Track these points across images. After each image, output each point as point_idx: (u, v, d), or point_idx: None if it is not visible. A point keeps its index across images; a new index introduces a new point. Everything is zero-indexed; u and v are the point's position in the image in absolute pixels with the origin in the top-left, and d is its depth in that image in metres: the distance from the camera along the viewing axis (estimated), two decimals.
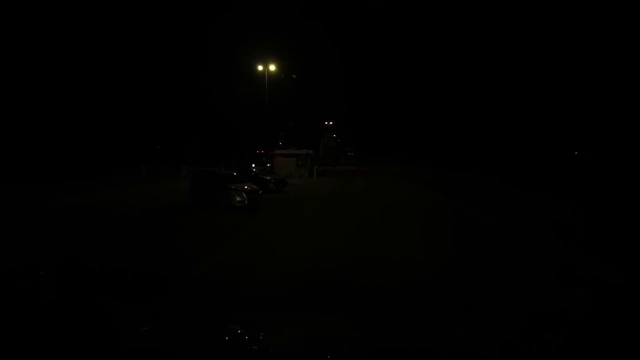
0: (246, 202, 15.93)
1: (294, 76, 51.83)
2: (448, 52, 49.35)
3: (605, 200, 17.73)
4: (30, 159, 29.27)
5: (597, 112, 30.05)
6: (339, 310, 5.22)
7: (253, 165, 48.28)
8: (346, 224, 12.95)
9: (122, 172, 39.06)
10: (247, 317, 3.29)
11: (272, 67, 32.33)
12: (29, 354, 1.90)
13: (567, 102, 31.83)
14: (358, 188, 28.57)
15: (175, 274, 7.09)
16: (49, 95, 31.58)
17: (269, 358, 2.13)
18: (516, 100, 36.90)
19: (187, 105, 42.02)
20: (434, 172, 45.90)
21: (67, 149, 33.47)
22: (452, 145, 50.29)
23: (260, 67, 32.29)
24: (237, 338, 2.45)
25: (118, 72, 37.95)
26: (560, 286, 6.62)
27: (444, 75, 50.88)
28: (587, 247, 9.21)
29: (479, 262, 8.05)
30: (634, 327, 4.39)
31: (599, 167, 28.84)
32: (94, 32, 34.25)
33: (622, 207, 16.10)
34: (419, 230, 12.18)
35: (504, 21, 38.27)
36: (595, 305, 5.50)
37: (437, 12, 55.40)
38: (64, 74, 32.25)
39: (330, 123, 79.88)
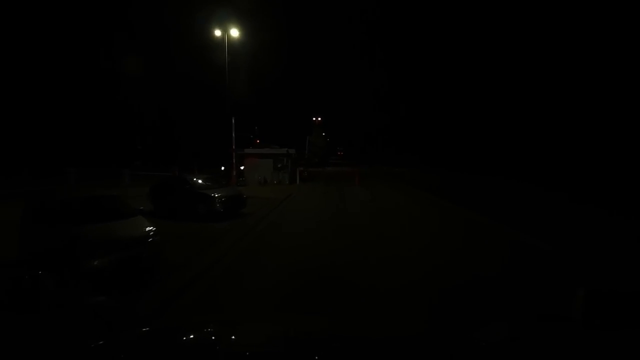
0: (114, 267, 6.91)
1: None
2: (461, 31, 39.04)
3: None
4: None
5: None
6: None
7: (222, 167, 39.31)
8: None
9: (44, 177, 31.02)
10: (231, 318, 3.18)
11: (235, 33, 22.66)
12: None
13: None
14: (362, 213, 15.86)
15: None
16: None
17: (251, 358, 1.90)
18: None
19: (132, 94, 32.73)
20: (441, 174, 38.29)
21: None
22: (468, 141, 40.70)
23: (218, 33, 22.53)
24: (217, 338, 2.24)
25: (41, 60, 28.83)
26: None
27: (453, 53, 40.00)
28: None
29: None
30: None
31: None
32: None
33: None
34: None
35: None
36: None
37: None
38: None
39: (319, 119, 71.45)
